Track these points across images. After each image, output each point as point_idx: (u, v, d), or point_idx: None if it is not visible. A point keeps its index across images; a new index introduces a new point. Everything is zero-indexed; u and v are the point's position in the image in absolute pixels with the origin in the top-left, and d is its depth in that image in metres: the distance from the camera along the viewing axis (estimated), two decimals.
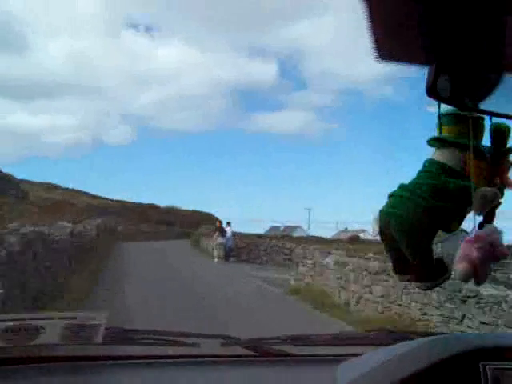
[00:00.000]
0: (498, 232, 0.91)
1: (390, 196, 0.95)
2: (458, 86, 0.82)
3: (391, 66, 0.71)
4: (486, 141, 0.99)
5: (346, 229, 50.35)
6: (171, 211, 46.68)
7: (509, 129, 0.99)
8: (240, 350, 1.40)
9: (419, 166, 0.98)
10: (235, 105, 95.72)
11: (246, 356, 1.38)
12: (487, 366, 0.96)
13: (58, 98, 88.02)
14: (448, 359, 0.97)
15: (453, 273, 0.95)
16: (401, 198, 0.93)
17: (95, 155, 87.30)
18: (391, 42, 0.73)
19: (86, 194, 43.70)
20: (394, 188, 0.98)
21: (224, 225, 21.27)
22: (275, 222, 61.49)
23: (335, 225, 58.53)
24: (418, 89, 0.86)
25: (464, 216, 0.94)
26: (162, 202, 62.30)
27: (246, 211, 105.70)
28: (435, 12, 0.63)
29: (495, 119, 0.95)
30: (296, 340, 1.43)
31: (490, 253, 0.87)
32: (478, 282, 0.89)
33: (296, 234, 49.49)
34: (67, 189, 43.13)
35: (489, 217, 0.99)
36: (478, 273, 0.87)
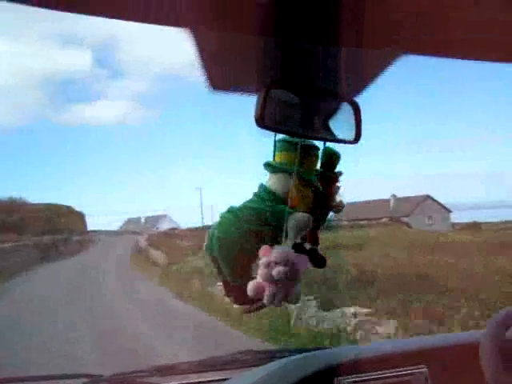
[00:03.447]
0: (291, 253, 0.88)
1: (220, 217, 0.94)
2: (286, 114, 0.84)
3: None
4: None
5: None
6: (11, 208, 29.36)
7: (337, 154, 1.02)
8: None
9: None
10: (50, 97, 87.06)
11: None
12: (342, 381, 1.02)
13: None
14: (303, 380, 1.01)
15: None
16: (224, 220, 0.93)
17: None
18: (221, 72, 0.75)
19: None
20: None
21: None
22: (132, 214, 52.04)
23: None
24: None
25: (278, 242, 0.91)
26: None
27: (101, 204, 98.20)
28: (261, 42, 0.65)
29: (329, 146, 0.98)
30: (162, 370, 1.43)
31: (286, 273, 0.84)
32: (288, 302, 0.87)
33: (164, 226, 42.98)
34: None
35: (311, 240, 1.02)
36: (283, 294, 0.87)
